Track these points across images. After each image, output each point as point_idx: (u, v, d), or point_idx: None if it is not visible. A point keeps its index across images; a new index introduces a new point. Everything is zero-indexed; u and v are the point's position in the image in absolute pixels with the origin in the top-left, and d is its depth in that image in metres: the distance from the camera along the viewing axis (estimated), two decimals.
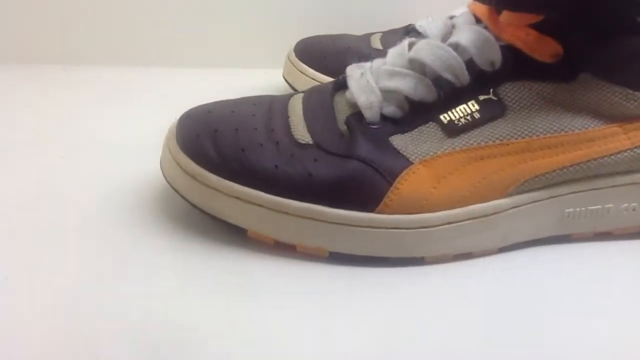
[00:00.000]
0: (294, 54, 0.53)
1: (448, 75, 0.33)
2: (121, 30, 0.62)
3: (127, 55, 0.61)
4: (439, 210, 0.32)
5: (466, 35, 0.33)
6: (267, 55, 0.57)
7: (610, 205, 0.35)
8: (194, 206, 0.34)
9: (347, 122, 0.34)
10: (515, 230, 0.34)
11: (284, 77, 0.54)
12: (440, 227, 0.32)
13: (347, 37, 0.54)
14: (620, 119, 0.34)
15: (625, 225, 0.35)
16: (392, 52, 0.36)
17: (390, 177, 0.32)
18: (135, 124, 0.48)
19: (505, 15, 0.34)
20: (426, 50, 0.34)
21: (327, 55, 0.51)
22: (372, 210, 0.32)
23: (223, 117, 0.35)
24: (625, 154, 0.34)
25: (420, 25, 0.46)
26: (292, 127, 0.34)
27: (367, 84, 0.34)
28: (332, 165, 0.32)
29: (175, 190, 0.34)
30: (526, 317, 0.29)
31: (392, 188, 0.32)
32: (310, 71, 0.51)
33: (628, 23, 0.32)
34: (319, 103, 0.36)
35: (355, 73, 0.36)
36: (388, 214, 0.32)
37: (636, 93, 0.33)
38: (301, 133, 0.34)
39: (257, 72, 0.59)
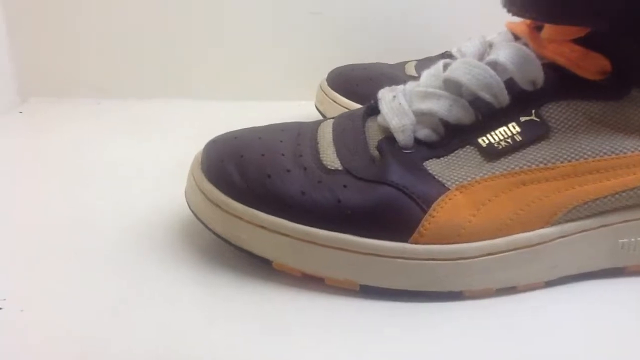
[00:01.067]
0: (326, 83, 0.51)
1: (486, 95, 0.31)
2: (155, 64, 0.62)
3: (160, 89, 0.61)
4: (478, 240, 0.30)
5: (505, 52, 0.31)
6: (300, 87, 0.56)
7: None
8: (219, 236, 0.32)
9: (378, 147, 0.32)
10: (563, 262, 0.31)
11: (316, 106, 0.53)
12: (480, 258, 0.30)
13: (381, 66, 0.52)
14: None
15: None
16: (426, 74, 0.34)
17: (424, 204, 0.30)
18: (165, 155, 0.47)
19: (547, 31, 0.32)
20: (462, 70, 0.32)
21: (360, 82, 0.49)
22: (405, 240, 0.29)
23: (249, 143, 0.33)
24: None
25: (457, 50, 0.45)
26: (320, 152, 0.32)
27: (400, 107, 0.33)
28: (363, 191, 0.30)
29: (200, 220, 0.33)
30: (575, 357, 0.26)
31: (426, 216, 0.29)
32: (342, 99, 0.50)
33: None
34: (350, 128, 0.34)
35: (387, 96, 0.34)
36: (422, 244, 0.29)
37: None
38: (330, 159, 0.32)
39: (291, 104, 0.58)
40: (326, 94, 0.51)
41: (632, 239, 0.32)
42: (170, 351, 0.26)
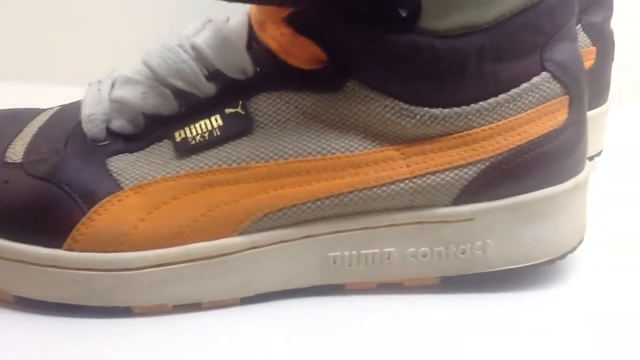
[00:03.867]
0: None
1: (178, 83, 0.27)
2: None
3: None
4: (145, 248, 0.26)
5: (203, 35, 0.27)
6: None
7: (392, 249, 0.28)
8: None
9: (67, 138, 0.28)
10: (259, 277, 0.27)
11: None
12: (147, 270, 0.26)
13: None
14: (398, 140, 0.27)
15: (416, 275, 0.28)
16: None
17: (86, 205, 0.26)
18: None
19: (259, 8, 0.28)
20: (156, 53, 0.28)
21: None
22: (59, 246, 0.25)
23: None
24: (403, 184, 0.27)
25: None
26: (13, 143, 0.29)
27: (98, 93, 0.29)
28: (22, 189, 0.26)
29: None
30: None
31: (84, 219, 0.25)
32: None
33: (390, 17, 0.25)
34: (67, 118, 0.30)
35: (95, 82, 0.30)
36: (78, 250, 0.25)
37: (412, 107, 0.26)
38: (15, 150, 0.28)
39: None
40: None
41: (346, 253, 0.27)
42: None
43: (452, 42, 0.25)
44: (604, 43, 0.41)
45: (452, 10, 0.25)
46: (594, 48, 0.41)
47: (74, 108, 0.30)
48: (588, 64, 0.41)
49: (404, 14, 0.25)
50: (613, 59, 0.43)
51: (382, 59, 0.26)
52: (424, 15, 0.25)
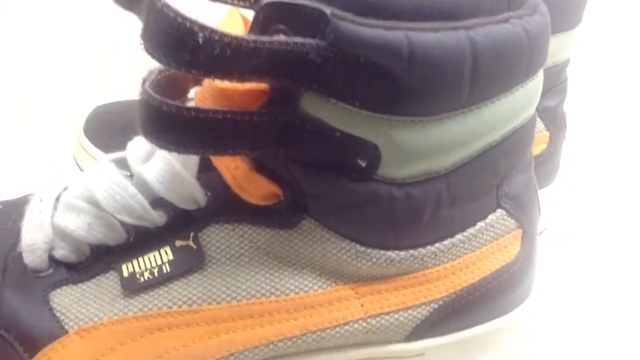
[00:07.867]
0: (82, 129, 0.44)
1: (126, 219, 0.26)
2: None
3: None
4: None
5: (153, 168, 0.26)
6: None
7: None
8: None
9: (5, 265, 0.26)
10: None
11: (74, 158, 0.45)
12: None
13: None
14: (352, 279, 0.27)
15: None
16: (86, 173, 0.28)
17: (27, 354, 0.24)
18: None
19: None
20: (102, 184, 0.26)
21: (113, 133, 0.42)
22: None
23: None
24: (357, 325, 0.27)
25: None
26: None
27: (39, 217, 0.27)
28: None
29: None
30: None
31: None
32: (101, 154, 0.41)
33: (349, 165, 0.24)
34: (5, 229, 0.28)
35: (36, 200, 0.28)
36: None
37: (369, 250, 0.26)
38: None
39: None
40: (82, 146, 0.43)
41: None
42: None
43: (410, 190, 0.25)
44: (556, 127, 0.41)
45: (412, 159, 0.24)
46: (548, 133, 0.41)
47: (11, 217, 0.29)
48: (541, 148, 0.41)
49: (363, 164, 0.24)
50: (565, 138, 0.43)
51: (339, 204, 0.25)
52: (383, 164, 0.24)
